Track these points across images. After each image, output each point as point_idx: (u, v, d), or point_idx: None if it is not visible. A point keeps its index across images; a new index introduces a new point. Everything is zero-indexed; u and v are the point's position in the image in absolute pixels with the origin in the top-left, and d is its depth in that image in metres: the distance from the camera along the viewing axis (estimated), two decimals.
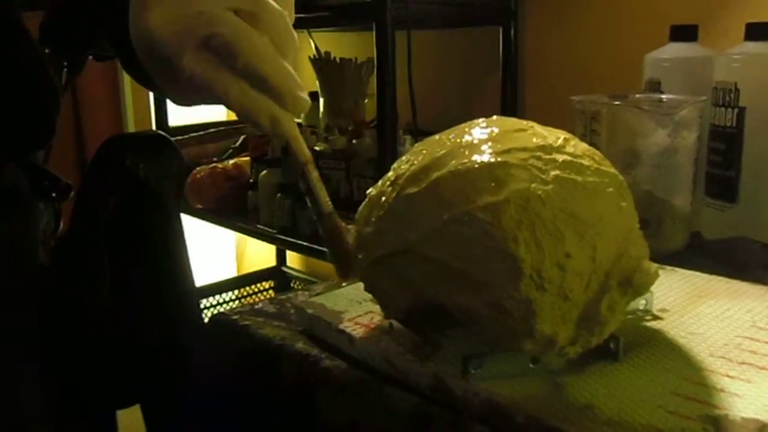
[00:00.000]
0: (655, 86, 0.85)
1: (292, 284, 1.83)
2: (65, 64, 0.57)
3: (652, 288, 0.47)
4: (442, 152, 0.44)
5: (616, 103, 0.73)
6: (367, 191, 0.48)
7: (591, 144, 0.76)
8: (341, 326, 0.50)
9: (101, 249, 0.55)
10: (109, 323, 0.57)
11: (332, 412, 0.47)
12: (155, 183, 0.56)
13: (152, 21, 0.38)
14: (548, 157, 0.42)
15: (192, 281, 0.64)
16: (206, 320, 0.60)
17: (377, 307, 0.49)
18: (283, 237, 1.33)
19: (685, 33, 0.85)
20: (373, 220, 0.45)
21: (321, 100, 1.51)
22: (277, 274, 1.87)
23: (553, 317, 0.40)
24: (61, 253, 0.55)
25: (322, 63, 1.48)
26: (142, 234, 0.57)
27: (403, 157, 0.47)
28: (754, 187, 0.78)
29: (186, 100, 0.42)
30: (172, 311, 0.60)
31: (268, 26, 0.40)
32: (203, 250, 1.87)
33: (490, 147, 0.43)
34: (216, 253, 1.94)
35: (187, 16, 0.38)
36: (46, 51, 0.55)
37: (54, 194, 0.53)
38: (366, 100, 1.48)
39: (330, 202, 0.47)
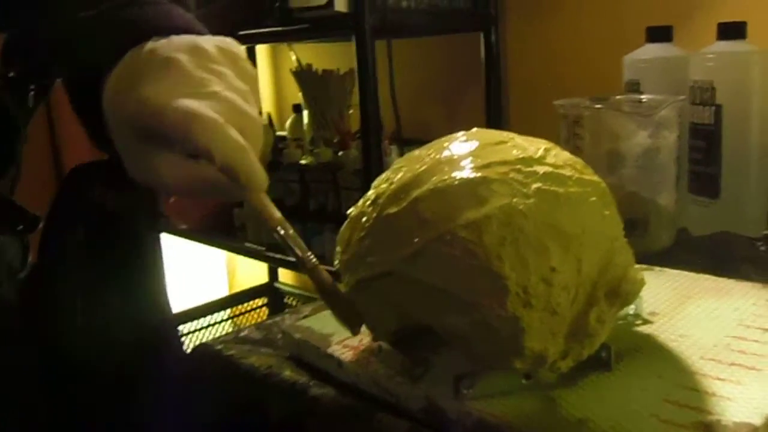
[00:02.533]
0: (634, 87, 0.86)
1: (285, 300, 1.82)
2: (32, 87, 0.57)
3: (641, 291, 0.47)
4: (421, 169, 0.44)
5: (598, 106, 0.73)
6: (348, 211, 0.48)
7: (575, 147, 0.77)
8: (329, 350, 0.49)
9: (71, 281, 0.53)
10: (82, 358, 0.55)
11: None
12: (126, 212, 0.55)
13: (148, 92, 0.40)
14: (529, 169, 0.42)
15: (169, 310, 0.63)
16: (192, 347, 0.59)
17: (366, 330, 0.48)
18: (271, 254, 1.32)
19: (660, 34, 0.86)
20: (355, 241, 0.45)
21: (305, 113, 1.50)
22: (269, 291, 1.86)
23: (541, 333, 0.39)
24: (29, 287, 0.53)
25: (304, 75, 1.47)
26: (115, 264, 0.56)
27: (383, 175, 0.47)
28: (735, 181, 0.78)
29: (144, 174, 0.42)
30: (149, 342, 0.58)
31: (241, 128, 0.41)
32: (193, 270, 1.85)
33: (469, 162, 0.43)
34: (207, 272, 1.92)
35: (183, 94, 0.40)
36: (10, 75, 0.54)
37: (21, 227, 0.52)
38: (351, 111, 1.47)
39: (311, 256, 0.45)
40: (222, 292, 1.94)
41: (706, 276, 0.59)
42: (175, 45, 0.42)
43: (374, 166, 1.07)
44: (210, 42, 0.43)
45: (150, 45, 0.42)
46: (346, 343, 0.50)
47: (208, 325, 1.74)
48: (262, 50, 1.87)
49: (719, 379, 0.42)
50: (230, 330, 1.71)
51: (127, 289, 0.57)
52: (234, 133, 0.40)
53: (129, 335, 0.57)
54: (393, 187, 0.44)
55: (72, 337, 0.55)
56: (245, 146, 0.40)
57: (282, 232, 0.44)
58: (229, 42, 0.44)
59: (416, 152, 0.47)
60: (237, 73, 0.43)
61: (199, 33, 0.45)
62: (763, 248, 0.72)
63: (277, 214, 0.45)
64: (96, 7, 0.46)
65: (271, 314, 1.80)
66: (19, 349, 0.52)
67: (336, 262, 0.47)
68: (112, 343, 0.56)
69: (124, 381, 0.56)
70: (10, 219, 0.50)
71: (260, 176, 0.41)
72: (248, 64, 0.44)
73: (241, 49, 0.45)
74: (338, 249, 0.47)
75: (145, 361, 0.57)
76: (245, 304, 1.82)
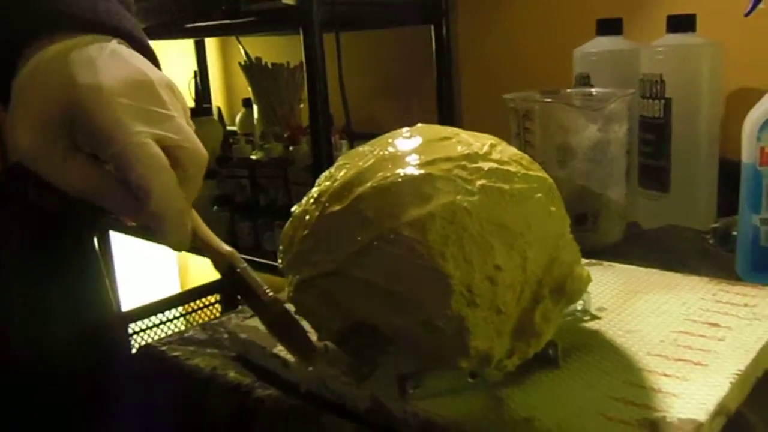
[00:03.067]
0: (584, 80, 0.86)
1: (239, 297, 1.79)
2: None
3: (590, 287, 0.46)
4: (365, 166, 0.42)
5: (548, 100, 0.73)
6: (291, 209, 0.46)
7: (525, 142, 0.77)
8: (275, 350, 0.48)
9: (9, 282, 0.51)
10: (21, 358, 0.53)
11: None
12: (63, 212, 0.52)
13: (105, 85, 0.37)
14: (474, 165, 0.41)
15: (113, 310, 0.61)
16: (135, 350, 0.57)
17: (312, 329, 0.47)
18: None
19: (610, 27, 0.86)
20: (298, 240, 0.43)
21: (255, 107, 1.47)
22: (223, 287, 1.82)
23: (486, 332, 0.38)
24: None
25: (253, 69, 1.44)
26: (55, 264, 0.54)
27: (326, 172, 0.45)
28: (684, 175, 0.79)
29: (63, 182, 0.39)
30: (91, 342, 0.56)
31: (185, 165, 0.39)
32: (144, 268, 1.81)
33: (413, 158, 0.42)
34: (158, 269, 1.88)
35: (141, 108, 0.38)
36: None
37: None
38: (301, 105, 1.45)
39: (268, 289, 0.44)
40: (174, 289, 1.90)
41: (655, 270, 0.60)
42: (142, 61, 0.40)
43: (324, 161, 1.05)
44: (162, 75, 0.41)
45: (113, 46, 0.40)
46: None
47: (161, 323, 1.69)
48: (211, 43, 1.83)
49: (665, 375, 0.42)
50: (184, 327, 1.68)
51: (68, 288, 0.55)
52: (173, 178, 0.38)
53: (69, 335, 0.55)
54: (336, 184, 0.43)
55: (10, 337, 0.52)
56: (185, 210, 0.39)
57: (235, 270, 0.43)
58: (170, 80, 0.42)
59: (360, 149, 0.46)
60: (171, 97, 0.40)
61: (141, 40, 0.43)
62: (711, 242, 0.73)
63: (226, 247, 0.43)
64: None
65: (224, 311, 1.77)
66: None
67: (279, 261, 0.46)
68: (52, 344, 0.54)
69: (66, 381, 0.54)
70: None
71: (185, 236, 0.39)
72: (175, 89, 0.42)
73: (169, 88, 0.42)
74: (281, 248, 0.45)
75: (86, 361, 0.55)
76: (198, 301, 1.78)
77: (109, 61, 0.38)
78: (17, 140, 0.37)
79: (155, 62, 0.44)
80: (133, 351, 0.60)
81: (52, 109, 0.37)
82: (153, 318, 1.68)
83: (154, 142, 0.37)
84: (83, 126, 0.37)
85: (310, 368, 0.44)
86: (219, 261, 0.43)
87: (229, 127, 1.62)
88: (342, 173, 0.43)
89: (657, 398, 0.40)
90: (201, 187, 0.41)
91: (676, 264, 0.62)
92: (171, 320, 1.72)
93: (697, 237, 0.75)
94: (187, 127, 0.40)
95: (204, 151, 0.40)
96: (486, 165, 0.42)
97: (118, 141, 0.36)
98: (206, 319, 1.71)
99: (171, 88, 0.41)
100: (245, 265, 0.43)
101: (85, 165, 0.38)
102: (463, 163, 0.41)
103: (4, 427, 0.53)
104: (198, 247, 0.42)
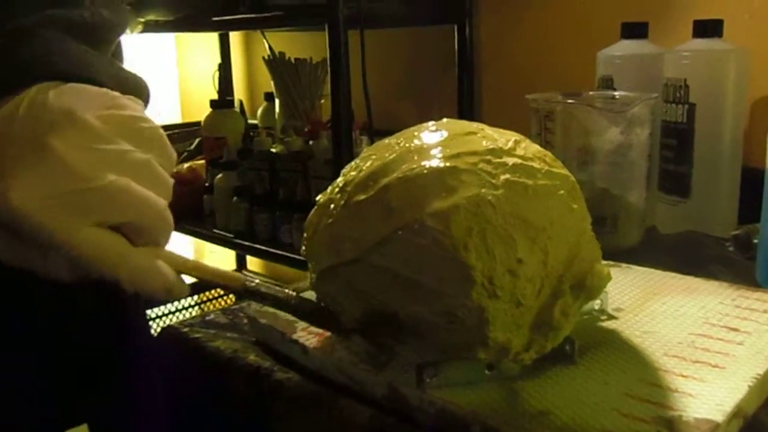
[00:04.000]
0: (607, 83, 0.86)
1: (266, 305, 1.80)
2: None
3: (607, 287, 0.47)
4: (390, 157, 0.43)
5: (570, 101, 0.73)
6: (317, 198, 0.47)
7: (546, 143, 0.77)
8: (294, 336, 0.49)
9: None
10: (47, 334, 0.54)
11: (286, 426, 0.46)
12: None
13: (15, 193, 0.33)
14: (498, 160, 0.42)
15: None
16: (157, 331, 0.58)
17: None
18: (240, 241, 1.31)
19: (635, 30, 0.86)
20: (322, 228, 0.44)
21: (276, 102, 1.49)
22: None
23: (506, 324, 0.39)
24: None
25: (276, 64, 1.45)
26: None
27: (352, 163, 0.46)
28: (706, 181, 0.79)
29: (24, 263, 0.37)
30: (115, 321, 0.57)
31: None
32: None
33: (439, 151, 0.42)
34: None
35: (69, 194, 0.34)
36: None
37: None
38: (322, 101, 1.46)
39: (287, 290, 0.44)
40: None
41: (673, 274, 0.60)
42: (48, 118, 0.35)
43: (344, 155, 1.06)
44: (92, 108, 0.36)
45: (25, 110, 0.35)
46: (311, 330, 0.49)
47: (175, 311, 1.72)
48: (235, 37, 1.85)
49: (682, 375, 0.42)
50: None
51: None
52: (139, 257, 0.35)
53: (97, 319, 0.56)
54: (362, 174, 0.43)
55: (36, 328, 0.53)
56: (156, 267, 0.36)
57: (252, 284, 0.42)
58: (114, 102, 0.37)
59: (386, 141, 0.47)
60: (131, 140, 0.36)
61: (84, 78, 0.37)
62: (731, 249, 0.72)
63: (236, 275, 0.42)
64: None
65: (237, 301, 1.78)
66: None
67: (303, 248, 0.47)
68: (81, 334, 0.54)
69: (94, 353, 0.54)
70: None
71: (178, 288, 0.38)
72: (142, 122, 0.37)
73: (132, 106, 0.38)
74: (305, 235, 0.46)
75: (107, 335, 0.56)
76: (212, 291, 1.80)
77: (16, 152, 0.34)
78: (13, 200, 0.33)
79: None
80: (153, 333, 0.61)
81: None
82: (169, 305, 1.70)
83: (100, 228, 0.35)
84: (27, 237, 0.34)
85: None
86: (230, 284, 0.42)
87: (250, 121, 1.64)
88: (368, 164, 0.44)
89: (673, 397, 0.40)
90: (170, 226, 0.38)
91: (695, 269, 0.61)
92: (186, 308, 1.74)
93: (716, 243, 0.75)
94: (123, 185, 0.35)
95: (149, 201, 0.36)
96: (510, 160, 0.42)
97: (64, 249, 0.34)
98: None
99: (104, 121, 0.36)
100: (257, 280, 0.42)
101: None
102: (488, 157, 0.42)
103: (42, 417, 0.54)
104: (205, 279, 0.41)
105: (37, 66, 0.37)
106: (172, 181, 0.38)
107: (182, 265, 0.39)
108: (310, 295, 0.47)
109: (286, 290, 0.43)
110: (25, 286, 0.47)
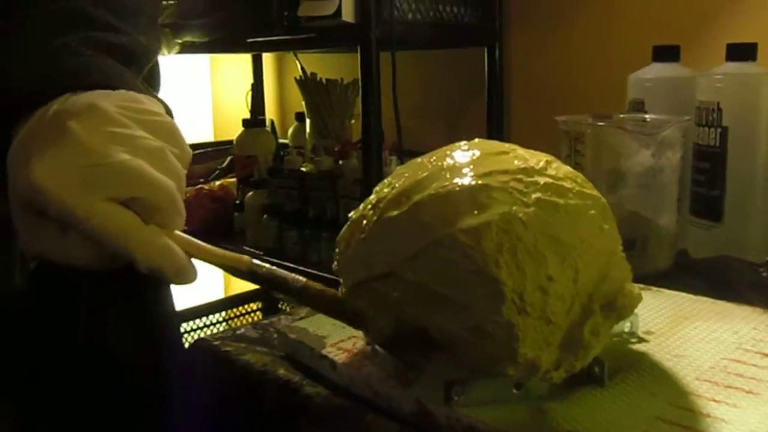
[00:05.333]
0: (638, 106, 0.86)
1: (280, 305, 1.81)
2: None
3: (637, 309, 0.47)
4: (423, 175, 0.44)
5: (600, 124, 0.73)
6: (349, 214, 0.47)
7: (576, 165, 0.77)
8: (324, 351, 0.49)
9: (76, 277, 0.53)
10: (88, 346, 0.56)
11: None
12: None
13: (38, 172, 0.36)
14: (530, 179, 0.42)
15: (172, 304, 0.63)
16: (188, 344, 0.59)
17: (360, 332, 0.48)
18: (269, 259, 1.32)
19: (667, 53, 0.86)
20: (355, 243, 0.45)
21: (307, 121, 1.51)
22: (265, 296, 1.85)
23: (535, 341, 0.39)
24: (39, 275, 0.54)
25: (308, 84, 1.48)
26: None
27: (385, 180, 0.47)
28: (738, 205, 0.78)
29: (41, 245, 0.39)
30: (152, 334, 0.59)
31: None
32: None
33: (471, 170, 0.43)
34: (203, 274, 1.91)
35: (85, 168, 0.36)
36: None
37: None
38: (352, 121, 1.48)
39: (296, 276, 0.44)
40: (218, 294, 1.93)
41: (705, 298, 0.59)
42: (71, 109, 0.38)
43: (374, 175, 1.07)
44: (111, 100, 0.39)
45: (55, 107, 0.38)
46: (340, 346, 0.50)
47: (204, 326, 1.73)
48: (268, 58, 1.88)
49: (714, 400, 0.42)
50: None
51: (133, 280, 0.57)
52: (151, 234, 0.37)
53: (135, 332, 0.57)
54: (394, 191, 0.44)
55: (78, 340, 0.54)
56: (167, 244, 0.38)
57: (258, 270, 0.42)
58: (133, 97, 0.40)
59: (418, 159, 0.47)
60: (146, 128, 0.39)
61: (116, 88, 0.40)
62: (765, 274, 0.71)
63: (243, 257, 0.43)
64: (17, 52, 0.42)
65: (267, 317, 1.79)
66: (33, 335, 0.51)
67: (335, 263, 0.47)
68: (115, 335, 0.56)
69: (128, 372, 0.56)
70: None
71: (188, 270, 0.39)
72: (158, 116, 0.40)
73: (149, 102, 0.41)
74: (337, 250, 0.47)
75: (146, 354, 0.57)
76: (240, 308, 1.82)
77: (40, 138, 0.37)
78: (35, 174, 0.36)
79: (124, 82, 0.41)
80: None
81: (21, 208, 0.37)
82: (197, 321, 1.72)
83: (113, 203, 0.37)
84: (49, 213, 0.36)
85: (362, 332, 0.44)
86: (237, 267, 0.43)
87: (281, 140, 1.66)
88: (401, 182, 0.44)
89: (705, 422, 0.40)
90: (181, 211, 0.39)
91: (727, 294, 0.61)
92: (213, 324, 1.76)
93: (749, 269, 0.74)
94: (135, 164, 0.37)
95: (161, 181, 0.38)
96: (542, 179, 0.42)
97: (79, 220, 0.36)
98: None
99: (121, 109, 0.38)
100: (265, 265, 0.43)
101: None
102: (520, 176, 0.42)
103: (71, 415, 0.55)
104: (214, 263, 0.42)
105: (77, 78, 0.40)
106: (183, 171, 0.40)
107: (191, 247, 0.40)
108: None
109: (298, 278, 0.44)
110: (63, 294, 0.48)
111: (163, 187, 0.38)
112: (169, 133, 0.40)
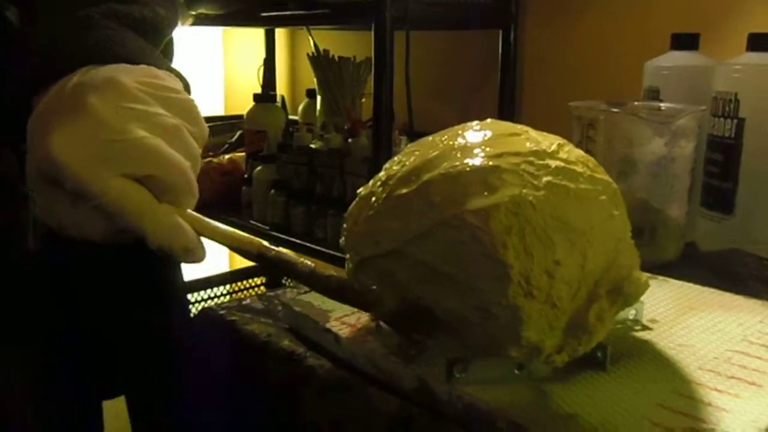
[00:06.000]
0: (653, 94, 0.85)
1: (283, 281, 1.82)
2: None
3: (643, 298, 0.46)
4: (434, 154, 0.43)
5: (614, 110, 0.72)
6: (358, 191, 0.47)
7: (587, 151, 0.76)
8: (327, 325, 0.50)
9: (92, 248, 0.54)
10: (97, 309, 0.56)
11: (315, 411, 0.46)
12: None
13: (55, 145, 0.36)
14: (541, 162, 0.42)
15: (180, 274, 0.64)
16: (194, 314, 0.60)
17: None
18: (275, 234, 1.32)
19: (685, 41, 0.84)
20: (363, 219, 0.45)
21: (318, 98, 1.50)
22: (269, 270, 1.86)
23: (540, 324, 0.39)
24: (51, 239, 0.54)
25: (320, 61, 1.47)
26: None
27: (395, 158, 0.46)
28: (751, 199, 0.77)
29: (60, 220, 0.40)
30: (161, 301, 0.59)
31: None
32: None
33: (482, 150, 0.42)
34: (208, 247, 1.92)
35: (101, 143, 0.37)
36: None
37: None
38: (363, 99, 1.47)
39: (304, 260, 0.44)
40: (222, 267, 1.94)
41: (712, 289, 0.59)
42: (91, 83, 0.38)
43: (383, 154, 1.07)
44: (131, 75, 0.39)
45: (75, 79, 0.38)
46: (344, 320, 0.50)
47: (208, 299, 1.75)
48: (280, 34, 1.87)
49: (717, 390, 0.42)
50: None
51: (143, 247, 0.58)
52: (163, 212, 0.38)
53: (145, 298, 0.58)
54: (404, 169, 0.44)
55: (88, 303, 0.55)
56: (178, 223, 0.38)
57: (268, 253, 0.42)
58: (153, 72, 0.40)
59: (429, 138, 0.47)
60: (164, 105, 0.39)
61: (137, 63, 0.41)
62: None
63: (254, 239, 0.43)
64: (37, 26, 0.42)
65: (271, 289, 1.81)
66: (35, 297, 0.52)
67: (342, 239, 0.47)
68: (130, 312, 0.56)
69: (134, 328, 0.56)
70: None
71: (197, 249, 0.40)
72: (177, 93, 0.40)
73: (169, 79, 0.41)
74: (345, 226, 0.47)
75: (157, 322, 0.58)
76: (244, 282, 1.83)
77: (60, 110, 0.37)
78: (54, 146, 0.36)
79: (142, 55, 0.42)
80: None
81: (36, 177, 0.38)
82: (201, 293, 1.73)
83: (127, 178, 0.37)
84: (64, 186, 0.37)
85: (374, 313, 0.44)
86: (248, 250, 0.43)
87: (291, 116, 1.66)
88: (411, 159, 0.44)
89: (707, 411, 0.40)
90: (194, 191, 0.40)
91: (735, 287, 0.60)
92: (217, 297, 1.77)
93: (759, 263, 0.73)
94: (152, 142, 0.37)
95: (176, 160, 0.38)
96: (553, 163, 0.42)
97: (92, 195, 0.36)
98: None
99: (140, 85, 0.39)
100: (275, 248, 0.43)
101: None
102: (531, 158, 0.42)
103: (82, 386, 0.56)
104: (224, 243, 0.42)
105: (99, 51, 0.40)
106: (199, 150, 0.41)
107: (202, 227, 0.41)
108: None
109: (306, 263, 0.44)
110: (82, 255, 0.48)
111: (178, 166, 0.38)
112: (188, 111, 0.40)
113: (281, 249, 0.44)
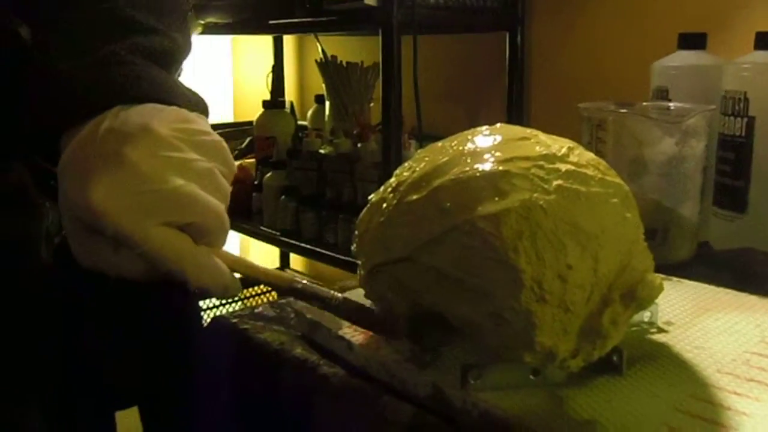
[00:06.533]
0: (662, 94, 0.84)
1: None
2: None
3: (658, 300, 0.46)
4: (444, 159, 0.43)
5: (623, 110, 0.72)
6: (369, 197, 0.47)
7: (597, 152, 0.76)
8: (340, 332, 0.49)
9: None
10: (109, 320, 0.57)
11: (329, 419, 0.46)
12: None
13: (95, 195, 0.37)
14: (551, 166, 0.41)
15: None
16: (205, 322, 0.60)
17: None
18: (285, 239, 1.33)
19: (693, 41, 0.84)
20: (374, 226, 0.45)
21: (327, 104, 1.51)
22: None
23: (553, 329, 0.39)
24: (64, 251, 0.54)
25: (328, 67, 1.47)
26: None
27: (406, 164, 0.46)
28: (763, 197, 0.77)
29: (98, 262, 0.40)
30: (172, 310, 0.59)
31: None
32: None
33: (492, 155, 0.42)
34: None
35: (142, 194, 0.37)
36: None
37: None
38: (372, 104, 1.47)
39: (334, 292, 0.45)
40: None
41: (727, 290, 0.58)
42: (125, 130, 0.39)
43: (393, 159, 1.07)
44: (164, 122, 0.40)
45: (107, 124, 0.39)
46: (356, 327, 0.50)
47: (219, 305, 1.75)
48: (288, 40, 1.88)
49: (736, 393, 0.41)
50: None
51: None
52: (202, 255, 0.39)
53: (155, 308, 0.58)
54: (415, 175, 0.44)
55: (100, 314, 0.55)
56: (216, 265, 0.39)
57: (299, 287, 0.44)
58: (183, 116, 0.41)
59: (439, 144, 0.47)
60: (197, 150, 0.40)
61: (164, 101, 0.41)
62: None
63: (284, 274, 0.45)
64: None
65: (282, 296, 1.81)
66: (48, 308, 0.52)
67: (353, 246, 0.47)
68: (140, 322, 0.57)
69: (156, 348, 0.58)
70: (51, 186, 0.50)
71: (233, 287, 0.40)
72: (208, 135, 0.41)
73: (200, 121, 0.42)
74: (356, 233, 0.47)
75: (167, 331, 0.58)
76: (255, 288, 1.83)
77: (95, 158, 0.38)
78: (94, 196, 0.37)
79: (173, 95, 0.42)
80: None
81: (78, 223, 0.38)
82: (214, 299, 1.74)
83: (168, 227, 0.38)
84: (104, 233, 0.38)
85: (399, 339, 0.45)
86: (279, 285, 0.44)
87: (300, 122, 1.66)
88: (421, 165, 0.44)
89: (726, 415, 0.39)
90: (227, 230, 0.41)
91: (749, 287, 0.60)
92: (230, 302, 1.77)
93: None
94: (189, 190, 0.38)
95: (212, 205, 0.39)
96: (563, 167, 0.42)
97: (136, 244, 0.37)
98: None
99: (174, 131, 0.39)
100: (304, 281, 0.45)
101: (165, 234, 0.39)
102: (541, 162, 0.42)
103: (96, 398, 0.56)
104: (256, 279, 0.43)
105: (127, 89, 0.41)
106: (230, 188, 0.42)
107: (235, 264, 0.42)
108: (356, 293, 0.47)
109: (336, 294, 0.45)
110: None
111: (214, 210, 0.40)
112: (218, 152, 0.41)
113: (310, 283, 0.45)
